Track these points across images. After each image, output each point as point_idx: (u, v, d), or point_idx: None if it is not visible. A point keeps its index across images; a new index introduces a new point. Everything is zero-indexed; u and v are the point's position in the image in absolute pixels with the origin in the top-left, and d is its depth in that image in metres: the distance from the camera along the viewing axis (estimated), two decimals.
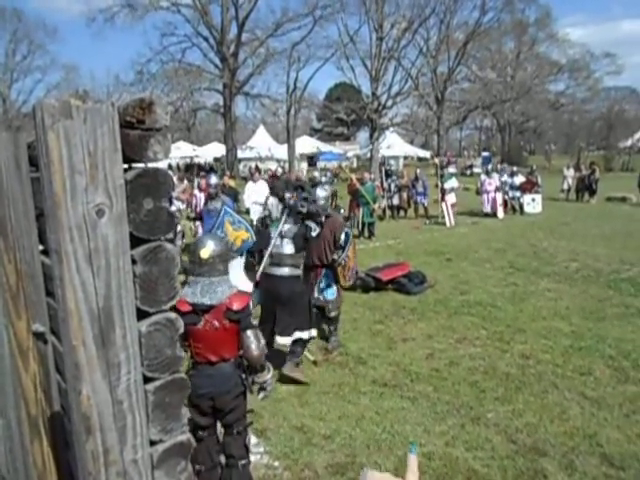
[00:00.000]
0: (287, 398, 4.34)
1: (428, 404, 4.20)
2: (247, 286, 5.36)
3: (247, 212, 11.87)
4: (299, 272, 4.91)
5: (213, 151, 39.75)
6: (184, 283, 2.81)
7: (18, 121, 35.71)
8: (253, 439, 3.36)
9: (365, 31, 33.24)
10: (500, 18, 38.03)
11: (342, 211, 10.14)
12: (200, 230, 8.23)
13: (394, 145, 39.83)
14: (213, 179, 7.82)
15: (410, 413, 4.07)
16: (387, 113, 33.84)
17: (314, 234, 4.93)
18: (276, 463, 3.25)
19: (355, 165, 37.09)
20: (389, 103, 32.96)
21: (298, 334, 4.73)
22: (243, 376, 2.89)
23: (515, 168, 17.28)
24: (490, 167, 18.61)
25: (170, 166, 26.83)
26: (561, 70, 45.16)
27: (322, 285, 5.38)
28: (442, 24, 35.99)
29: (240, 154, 33.88)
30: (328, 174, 11.31)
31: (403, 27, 32.10)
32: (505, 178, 16.50)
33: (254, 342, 2.85)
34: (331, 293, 5.39)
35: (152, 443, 1.46)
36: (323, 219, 5.06)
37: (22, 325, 1.79)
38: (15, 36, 41.25)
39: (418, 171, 16.05)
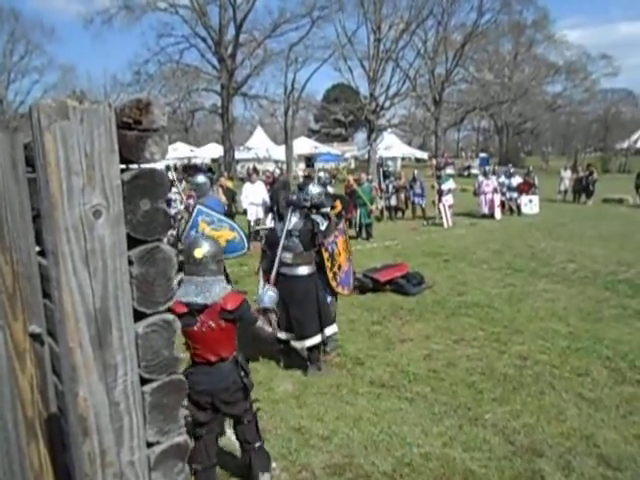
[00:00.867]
0: (285, 399, 4.34)
1: (426, 405, 4.21)
2: None
3: (244, 213, 11.88)
4: (309, 270, 4.84)
5: (211, 152, 39.72)
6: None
7: (15, 122, 35.62)
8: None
9: (363, 32, 33.34)
10: (498, 19, 38.28)
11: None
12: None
13: (392, 146, 39.86)
14: (199, 178, 7.63)
15: (408, 414, 4.07)
16: (385, 114, 33.96)
17: (323, 228, 4.87)
18: (274, 464, 3.25)
19: (353, 166, 37.11)
20: (387, 104, 33.07)
21: (310, 341, 4.77)
22: (242, 374, 2.95)
23: (512, 169, 17.29)
24: (487, 168, 18.64)
25: (168, 167, 26.75)
26: (558, 72, 45.34)
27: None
28: (440, 25, 36.17)
29: (238, 155, 33.91)
30: (326, 174, 11.31)
31: (401, 28, 32.21)
32: (502, 179, 16.54)
33: (265, 331, 3.15)
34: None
35: (149, 445, 1.46)
36: (329, 210, 4.98)
37: (19, 326, 1.78)
38: (12, 36, 41.23)
39: (416, 172, 16.08)
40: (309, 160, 37.70)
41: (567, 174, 20.78)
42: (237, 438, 3.13)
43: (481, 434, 3.75)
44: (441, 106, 37.70)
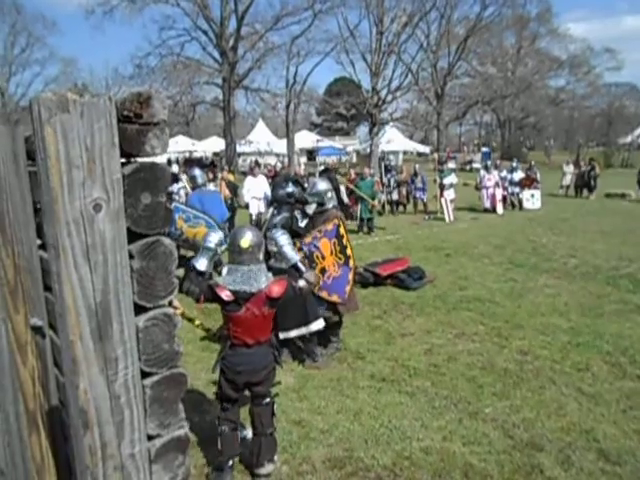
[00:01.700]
0: (286, 392, 4.35)
1: (426, 399, 4.22)
2: None
3: (246, 207, 11.86)
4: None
5: (212, 145, 39.66)
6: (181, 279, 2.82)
7: (16, 114, 35.54)
8: (249, 433, 3.39)
9: (365, 25, 33.38)
10: (501, 13, 38.04)
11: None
12: None
13: (394, 140, 39.76)
14: (194, 171, 7.93)
15: (408, 408, 4.08)
16: (387, 108, 33.76)
17: (302, 225, 4.79)
18: (274, 457, 3.27)
19: (354, 160, 37.03)
20: (389, 98, 32.87)
21: (296, 332, 4.72)
22: (276, 353, 3.19)
23: (515, 163, 17.20)
24: (489, 163, 18.57)
25: (170, 161, 26.76)
26: (561, 66, 45.06)
27: None
28: (442, 18, 35.91)
29: (239, 149, 33.83)
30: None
31: (403, 21, 31.98)
32: (504, 174, 16.49)
33: (308, 287, 3.36)
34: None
35: (150, 438, 1.46)
36: (311, 211, 4.79)
37: (20, 319, 1.79)
38: (14, 28, 41.07)
39: (417, 166, 16.04)
40: (311, 154, 37.65)
41: (569, 169, 20.70)
42: (252, 424, 3.22)
43: (481, 428, 3.76)
44: (443, 100, 37.55)
